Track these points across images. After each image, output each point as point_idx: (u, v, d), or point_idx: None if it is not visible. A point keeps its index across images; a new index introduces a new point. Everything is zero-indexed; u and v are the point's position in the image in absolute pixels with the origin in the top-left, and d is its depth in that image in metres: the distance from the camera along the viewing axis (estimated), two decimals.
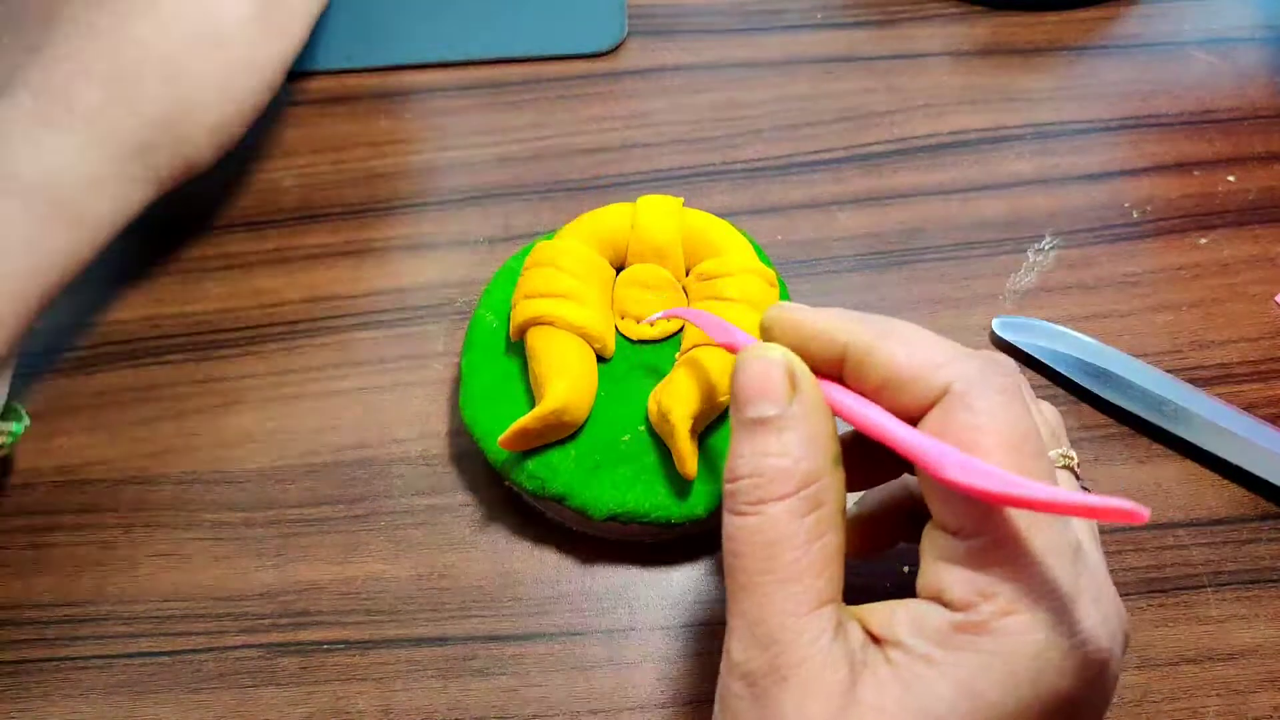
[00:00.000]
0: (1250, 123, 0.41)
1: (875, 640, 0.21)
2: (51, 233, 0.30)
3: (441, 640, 0.31)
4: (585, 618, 0.31)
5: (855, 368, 0.22)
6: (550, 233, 0.34)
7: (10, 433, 0.30)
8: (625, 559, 0.32)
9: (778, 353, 0.22)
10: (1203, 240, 0.38)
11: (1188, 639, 0.30)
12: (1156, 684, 0.30)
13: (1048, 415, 0.26)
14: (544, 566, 0.32)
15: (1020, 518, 0.20)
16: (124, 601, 0.31)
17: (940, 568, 0.20)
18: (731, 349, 0.25)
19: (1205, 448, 0.33)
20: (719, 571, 0.32)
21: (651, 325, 0.32)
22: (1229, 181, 0.40)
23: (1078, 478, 0.25)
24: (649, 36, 0.44)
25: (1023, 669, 0.19)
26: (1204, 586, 0.31)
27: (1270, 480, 0.32)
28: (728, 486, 0.22)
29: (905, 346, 0.21)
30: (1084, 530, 0.22)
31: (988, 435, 0.20)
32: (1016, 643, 0.19)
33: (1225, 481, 0.33)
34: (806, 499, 0.21)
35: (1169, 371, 0.35)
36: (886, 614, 0.21)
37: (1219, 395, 0.34)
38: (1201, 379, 0.35)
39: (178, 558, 0.32)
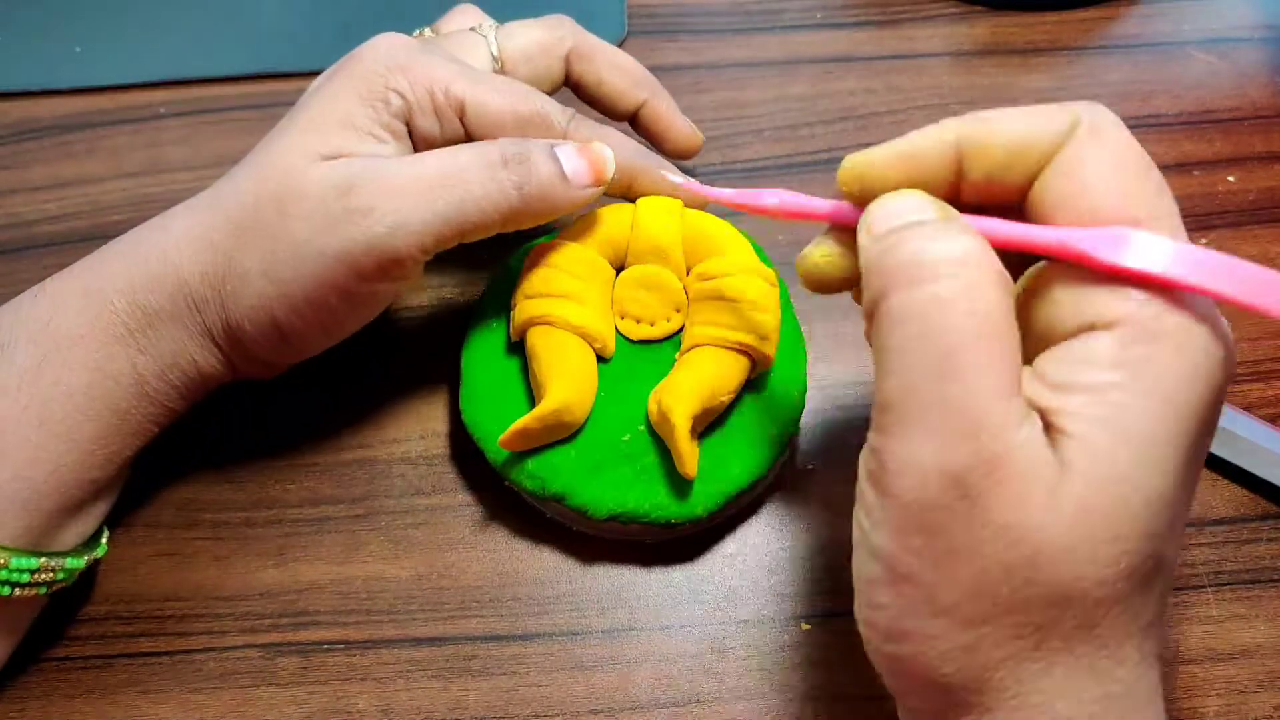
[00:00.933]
0: (1250, 123, 0.41)
1: (1041, 408, 0.20)
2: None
3: (441, 640, 0.31)
4: (585, 618, 0.31)
5: (973, 158, 0.22)
6: (550, 233, 0.34)
7: (65, 569, 0.28)
8: (625, 559, 0.32)
9: (913, 192, 0.22)
10: (1203, 240, 0.38)
11: (1188, 639, 0.30)
12: None
13: None
14: (544, 566, 0.32)
15: (1166, 229, 0.20)
16: (124, 601, 0.31)
17: (1079, 296, 0.20)
18: (810, 214, 0.25)
19: None
20: (720, 571, 0.32)
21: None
22: (1229, 181, 0.40)
23: None
24: (649, 36, 0.44)
25: (1197, 363, 0.19)
26: (1204, 586, 0.31)
27: (1270, 480, 0.32)
28: (903, 258, 0.20)
29: (1007, 116, 0.21)
30: None
31: (1123, 165, 0.20)
32: (1185, 340, 0.19)
33: (1225, 481, 0.33)
34: (1002, 275, 0.20)
35: None
36: (1043, 372, 0.20)
37: None
38: None
39: (178, 558, 0.32)
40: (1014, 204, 0.22)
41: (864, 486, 0.21)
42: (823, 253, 0.25)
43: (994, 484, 0.19)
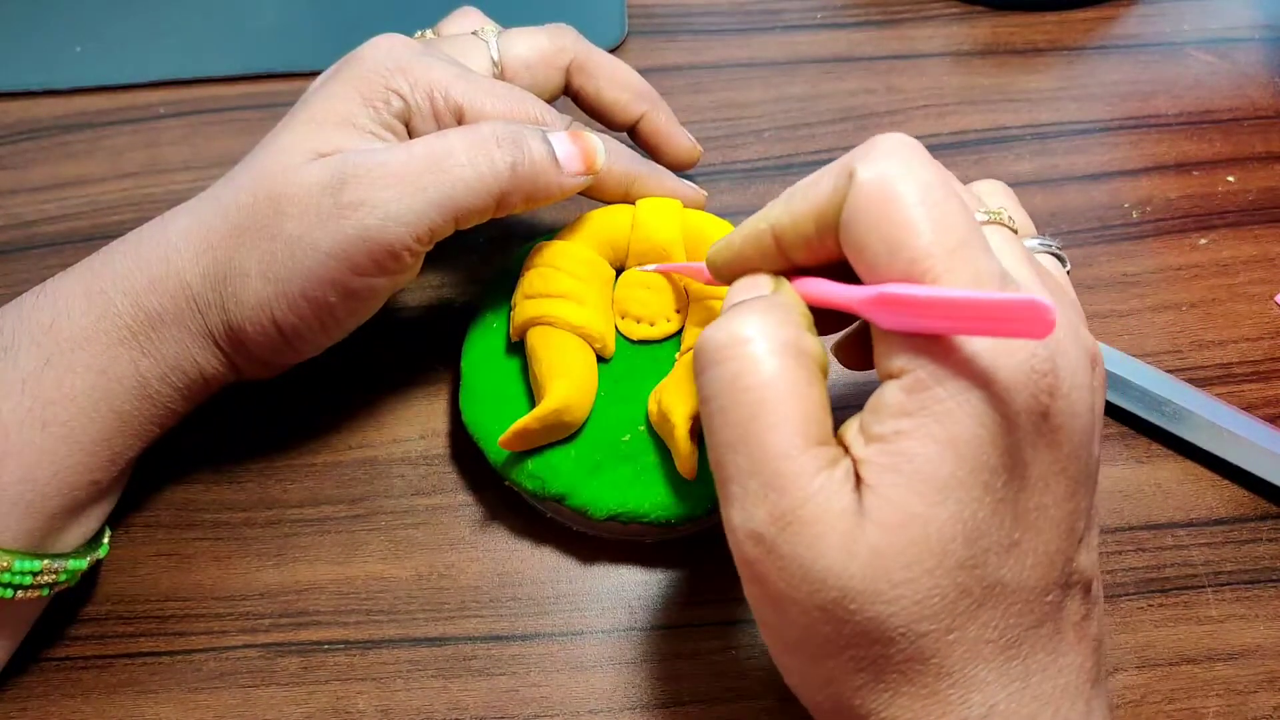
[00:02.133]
0: (1250, 123, 0.41)
1: (853, 457, 0.21)
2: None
3: (441, 640, 0.31)
4: (585, 618, 0.31)
5: (788, 238, 0.23)
6: (550, 233, 0.34)
7: (67, 570, 0.28)
8: (625, 559, 0.32)
9: (754, 275, 0.24)
10: (1203, 240, 0.38)
11: (1188, 639, 0.30)
12: (1156, 684, 0.30)
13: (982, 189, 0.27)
14: (544, 566, 0.32)
15: (936, 270, 0.20)
16: (124, 601, 0.31)
17: (881, 348, 0.21)
18: (713, 282, 0.26)
19: (1205, 448, 0.33)
20: (719, 571, 0.32)
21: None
22: (1229, 181, 0.40)
23: (1015, 230, 0.24)
24: (649, 36, 0.44)
25: (981, 400, 0.19)
26: (1204, 586, 0.31)
27: (1270, 480, 0.32)
28: (701, 345, 0.22)
29: (802, 188, 0.22)
30: (1011, 255, 0.22)
31: (884, 217, 0.20)
32: (966, 381, 0.19)
33: (1225, 481, 0.33)
34: (788, 344, 0.21)
35: (1169, 371, 0.35)
36: (853, 423, 0.21)
37: (1219, 395, 0.34)
38: (1201, 379, 0.35)
39: (178, 558, 0.32)
40: None
41: None
42: None
43: (791, 535, 0.20)
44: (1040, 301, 0.18)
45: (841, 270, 0.22)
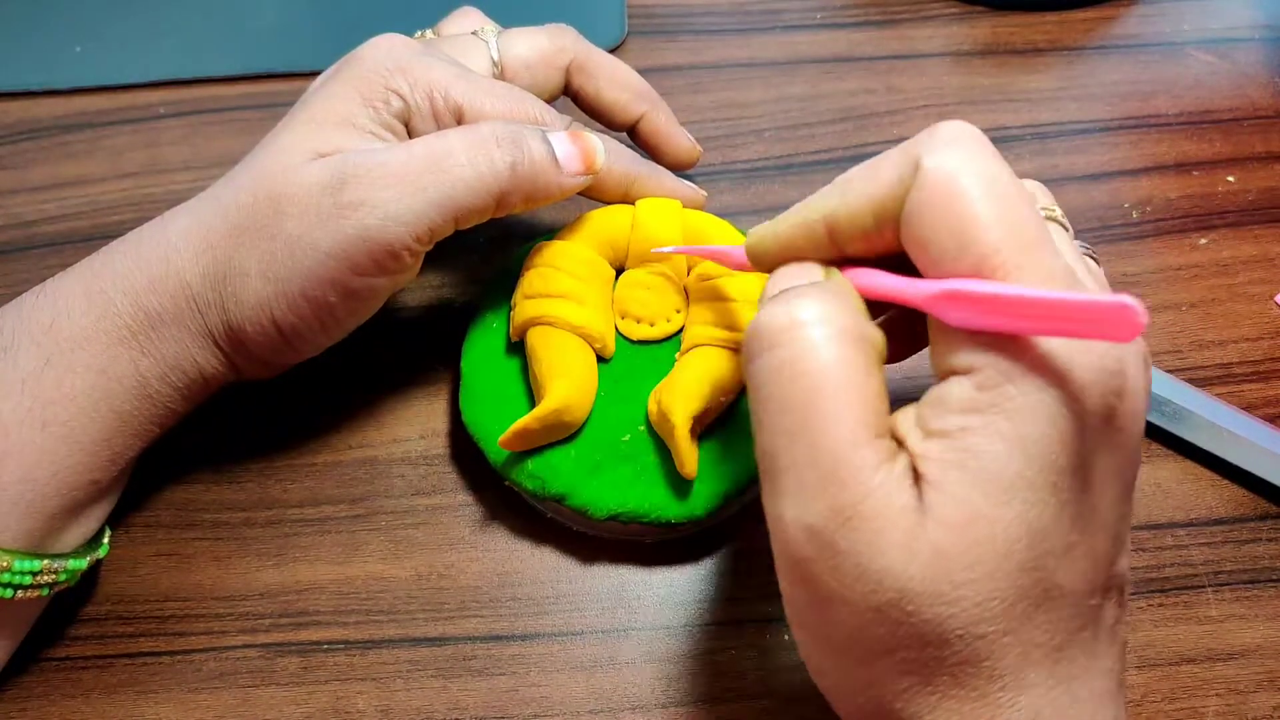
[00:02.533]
0: (1250, 123, 0.41)
1: (910, 451, 0.20)
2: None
3: (441, 640, 0.31)
4: (585, 618, 0.31)
5: (843, 229, 0.22)
6: (550, 233, 0.34)
7: (67, 570, 0.28)
8: (625, 559, 0.32)
9: (801, 264, 0.23)
10: (1203, 240, 0.38)
11: (1188, 639, 0.30)
12: (1156, 684, 0.30)
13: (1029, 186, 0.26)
14: (544, 566, 0.32)
15: (1008, 267, 0.19)
16: (124, 601, 0.31)
17: (943, 343, 0.20)
18: (745, 267, 0.26)
19: (1205, 448, 0.33)
20: (720, 571, 0.32)
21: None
22: (1229, 181, 0.40)
23: (1067, 229, 0.24)
24: (649, 36, 0.44)
25: (1054, 399, 0.19)
26: (1204, 586, 0.31)
27: (1270, 480, 0.32)
28: (756, 330, 0.21)
29: (859, 178, 0.22)
30: (1070, 254, 0.22)
31: (952, 210, 0.20)
32: (1040, 379, 0.19)
33: (1225, 481, 0.33)
34: (847, 330, 0.20)
35: (1169, 371, 0.35)
36: (907, 415, 0.21)
37: (1219, 395, 0.34)
38: (1201, 379, 0.35)
39: (178, 558, 0.32)
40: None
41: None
42: None
43: (850, 531, 0.19)
44: (1130, 304, 0.17)
45: (893, 263, 0.22)
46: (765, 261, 0.24)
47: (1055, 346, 0.19)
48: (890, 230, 0.21)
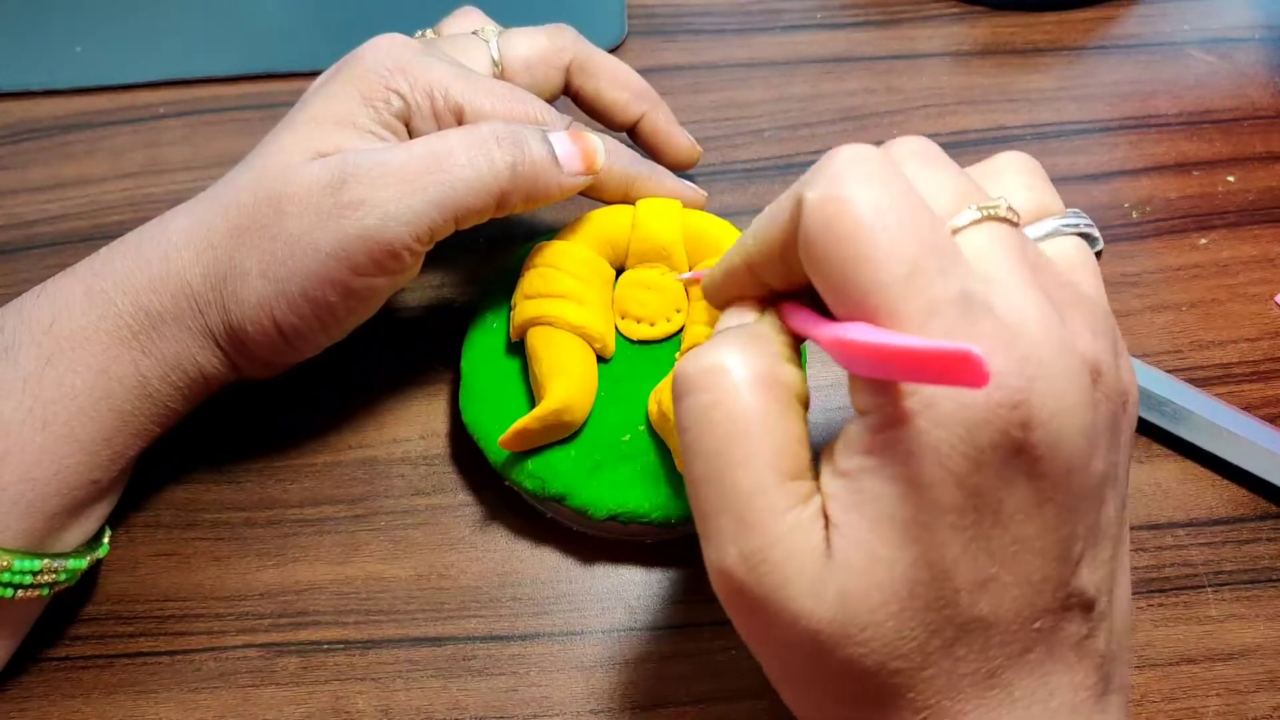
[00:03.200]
0: (1250, 123, 0.41)
1: (822, 491, 0.20)
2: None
3: (441, 640, 0.31)
4: (585, 618, 0.31)
5: (764, 276, 0.22)
6: (550, 233, 0.34)
7: (67, 570, 0.28)
8: (625, 559, 0.32)
9: (738, 305, 0.23)
10: (1203, 240, 0.38)
11: (1188, 639, 0.30)
12: (1156, 684, 0.30)
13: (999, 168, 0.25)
14: (544, 566, 0.32)
15: (889, 305, 0.19)
16: (124, 601, 0.31)
17: (851, 386, 0.20)
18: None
19: (1205, 448, 0.33)
20: None
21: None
22: (1229, 181, 0.40)
23: (1015, 224, 0.21)
24: (649, 36, 0.44)
25: (943, 441, 0.18)
26: (1204, 586, 0.31)
27: (1270, 480, 0.32)
28: (677, 375, 0.21)
29: (760, 222, 0.22)
30: (998, 258, 0.20)
31: (829, 253, 0.19)
32: (929, 416, 0.18)
33: (1225, 481, 0.33)
34: (761, 375, 0.20)
35: (1169, 371, 0.35)
36: (826, 452, 0.21)
37: (1219, 395, 0.34)
38: (1201, 379, 0.35)
39: (178, 558, 0.32)
40: None
41: None
42: None
43: (762, 576, 0.19)
44: (969, 353, 0.16)
45: None
46: (716, 303, 0.24)
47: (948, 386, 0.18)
48: (799, 266, 0.21)
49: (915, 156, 0.22)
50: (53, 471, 0.27)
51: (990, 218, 0.21)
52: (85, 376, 0.27)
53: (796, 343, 0.22)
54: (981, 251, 0.20)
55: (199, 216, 0.29)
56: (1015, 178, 0.25)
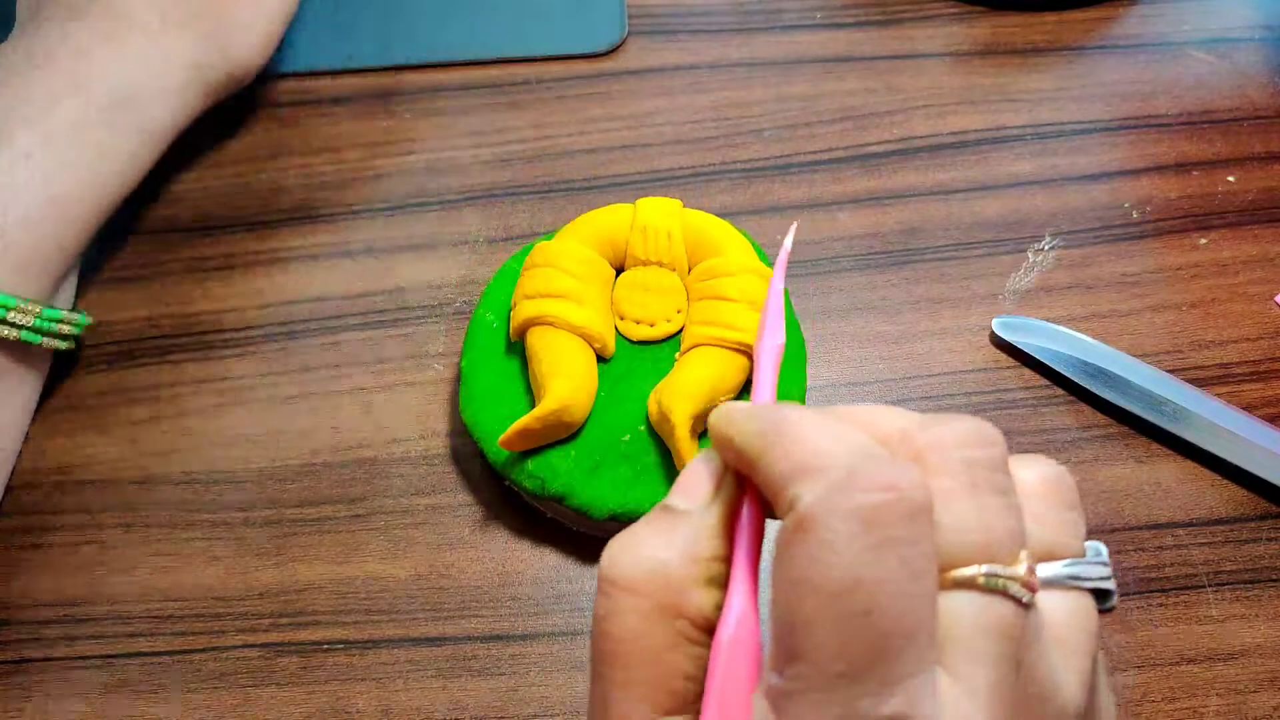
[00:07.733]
0: (1250, 123, 0.41)
1: None
2: (123, 138, 0.33)
3: (441, 640, 0.31)
4: (585, 618, 0.31)
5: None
6: (550, 233, 0.34)
7: (76, 323, 0.32)
8: None
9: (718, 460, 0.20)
10: (1202, 240, 0.38)
11: (1188, 639, 0.30)
12: (1156, 684, 0.30)
13: (1033, 487, 0.20)
14: (544, 566, 0.32)
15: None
16: (124, 601, 0.31)
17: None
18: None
19: (1205, 448, 0.33)
20: None
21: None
22: (1229, 182, 0.40)
23: (1020, 604, 0.17)
24: (649, 36, 0.44)
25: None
26: (1204, 586, 0.31)
27: (1270, 480, 0.32)
28: (605, 551, 0.19)
29: (786, 448, 0.18)
30: (979, 650, 0.17)
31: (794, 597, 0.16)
32: None
33: (1225, 481, 0.33)
34: (662, 604, 0.18)
35: (1169, 371, 0.35)
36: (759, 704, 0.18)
37: (1219, 395, 0.34)
38: (1201, 379, 0.35)
39: (177, 557, 0.32)
40: None
41: None
42: None
43: None
44: None
45: None
46: (710, 436, 0.20)
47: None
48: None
49: (961, 468, 0.18)
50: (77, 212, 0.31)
51: (996, 590, 0.17)
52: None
53: (730, 551, 0.19)
54: (964, 626, 0.17)
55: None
56: (1038, 505, 0.20)
